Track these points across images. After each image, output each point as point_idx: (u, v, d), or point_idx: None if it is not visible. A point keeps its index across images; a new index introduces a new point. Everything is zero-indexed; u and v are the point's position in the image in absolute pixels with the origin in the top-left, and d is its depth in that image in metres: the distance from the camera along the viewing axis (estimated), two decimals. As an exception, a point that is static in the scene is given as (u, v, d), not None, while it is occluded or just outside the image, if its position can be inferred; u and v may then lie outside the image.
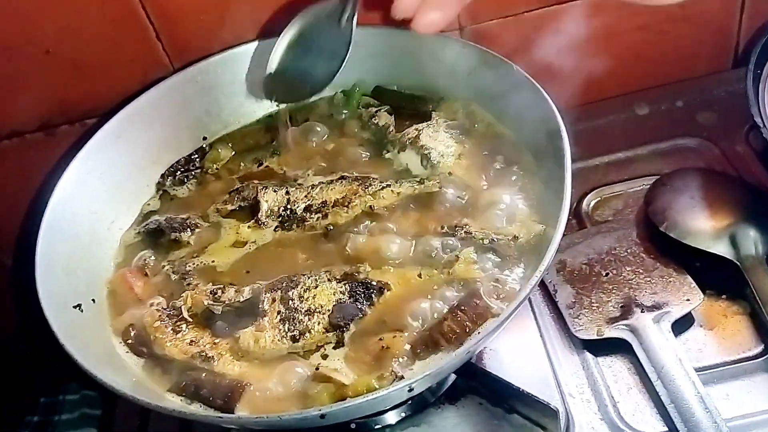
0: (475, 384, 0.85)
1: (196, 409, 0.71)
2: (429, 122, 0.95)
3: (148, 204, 0.97)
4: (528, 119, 0.86)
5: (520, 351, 0.89)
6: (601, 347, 0.89)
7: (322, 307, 0.79)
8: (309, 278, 0.81)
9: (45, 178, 1.10)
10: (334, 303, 0.79)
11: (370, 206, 0.88)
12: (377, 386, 0.70)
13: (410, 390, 0.66)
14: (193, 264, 0.88)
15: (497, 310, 0.75)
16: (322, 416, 0.63)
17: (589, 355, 0.89)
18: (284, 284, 0.81)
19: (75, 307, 0.81)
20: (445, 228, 0.84)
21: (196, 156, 1.01)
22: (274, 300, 0.80)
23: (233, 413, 0.71)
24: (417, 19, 0.81)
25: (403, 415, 0.86)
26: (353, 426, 0.84)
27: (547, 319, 0.93)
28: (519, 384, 0.82)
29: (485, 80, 0.92)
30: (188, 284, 0.85)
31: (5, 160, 1.09)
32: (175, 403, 0.74)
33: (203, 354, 0.78)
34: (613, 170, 1.09)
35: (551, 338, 0.91)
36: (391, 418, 0.85)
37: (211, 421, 0.67)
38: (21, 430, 1.18)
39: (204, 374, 0.76)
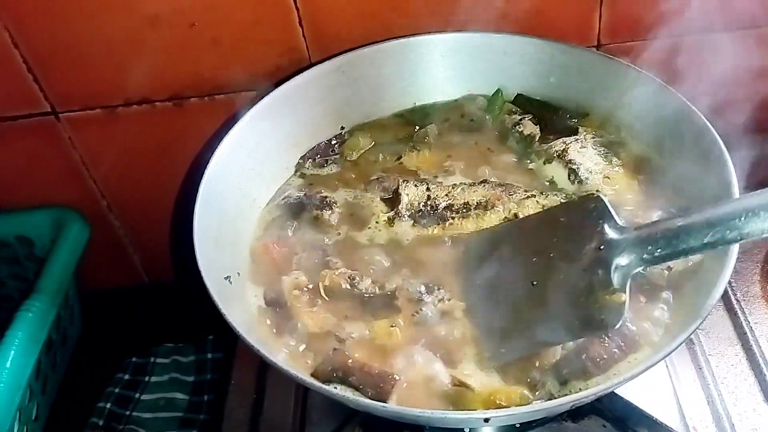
0: (600, 406, 0.85)
1: (357, 397, 0.72)
2: (576, 137, 0.95)
3: (288, 184, 0.99)
4: (689, 155, 0.85)
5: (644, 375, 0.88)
6: (728, 382, 0.89)
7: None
8: (445, 290, 0.82)
9: (172, 148, 1.14)
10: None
11: (515, 214, 0.88)
12: (530, 397, 0.71)
13: (572, 407, 0.66)
14: (333, 244, 0.89)
15: (646, 340, 0.75)
16: (486, 420, 0.64)
17: (714, 390, 0.89)
18: (423, 289, 0.82)
19: (225, 278, 0.83)
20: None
21: (336, 142, 1.03)
22: (409, 300, 0.82)
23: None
24: None
25: (518, 424, 0.86)
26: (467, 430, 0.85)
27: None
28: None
29: (642, 104, 0.91)
30: (326, 263, 0.87)
31: (133, 126, 1.12)
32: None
33: (337, 335, 0.80)
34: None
35: (675, 368, 0.91)
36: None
37: (370, 409, 0.68)
38: (110, 387, 1.21)
39: (350, 361, 0.77)
